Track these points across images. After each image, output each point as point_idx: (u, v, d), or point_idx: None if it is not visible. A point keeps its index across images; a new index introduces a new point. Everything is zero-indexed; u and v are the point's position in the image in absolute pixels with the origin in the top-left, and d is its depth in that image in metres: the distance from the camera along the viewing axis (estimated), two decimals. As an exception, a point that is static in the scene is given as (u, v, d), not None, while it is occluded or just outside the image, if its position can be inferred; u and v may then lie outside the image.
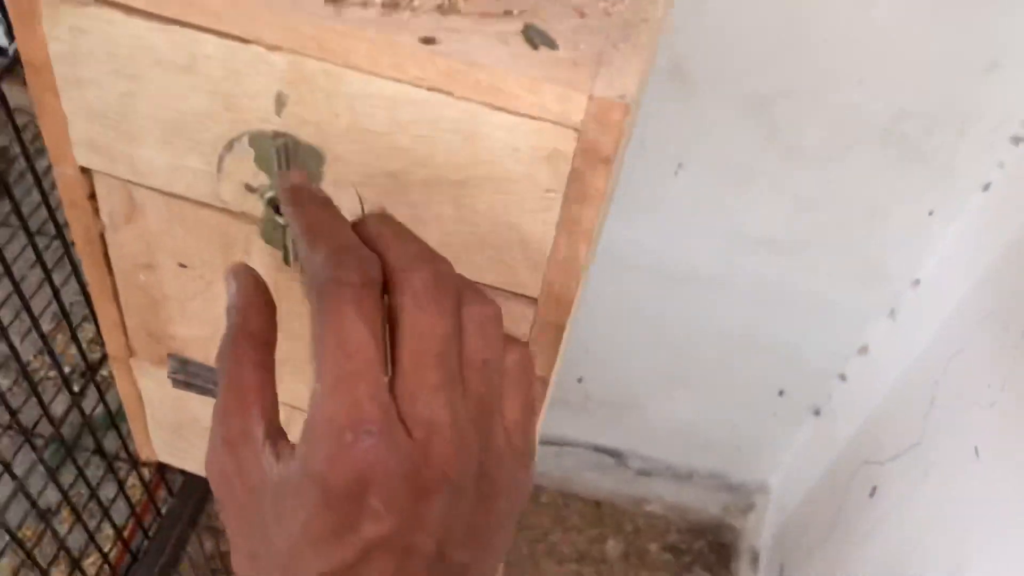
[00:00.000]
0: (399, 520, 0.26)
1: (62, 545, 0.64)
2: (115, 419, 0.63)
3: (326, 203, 0.31)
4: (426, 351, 0.27)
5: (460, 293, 0.29)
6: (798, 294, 1.10)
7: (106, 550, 0.67)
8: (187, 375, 0.52)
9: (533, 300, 0.39)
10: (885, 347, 1.10)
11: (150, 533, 0.69)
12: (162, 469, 0.70)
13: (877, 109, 0.88)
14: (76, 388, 0.60)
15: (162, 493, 0.72)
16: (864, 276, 1.06)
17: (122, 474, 0.72)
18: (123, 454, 0.69)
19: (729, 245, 1.05)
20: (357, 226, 0.30)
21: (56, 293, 0.58)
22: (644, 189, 1.00)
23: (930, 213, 0.96)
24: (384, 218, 0.31)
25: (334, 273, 0.27)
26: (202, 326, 0.49)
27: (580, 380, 1.36)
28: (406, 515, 0.26)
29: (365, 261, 0.28)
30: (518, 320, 0.40)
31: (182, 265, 0.45)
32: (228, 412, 0.28)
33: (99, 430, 0.66)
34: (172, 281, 0.46)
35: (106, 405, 0.61)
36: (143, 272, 0.47)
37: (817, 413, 1.25)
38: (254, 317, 0.30)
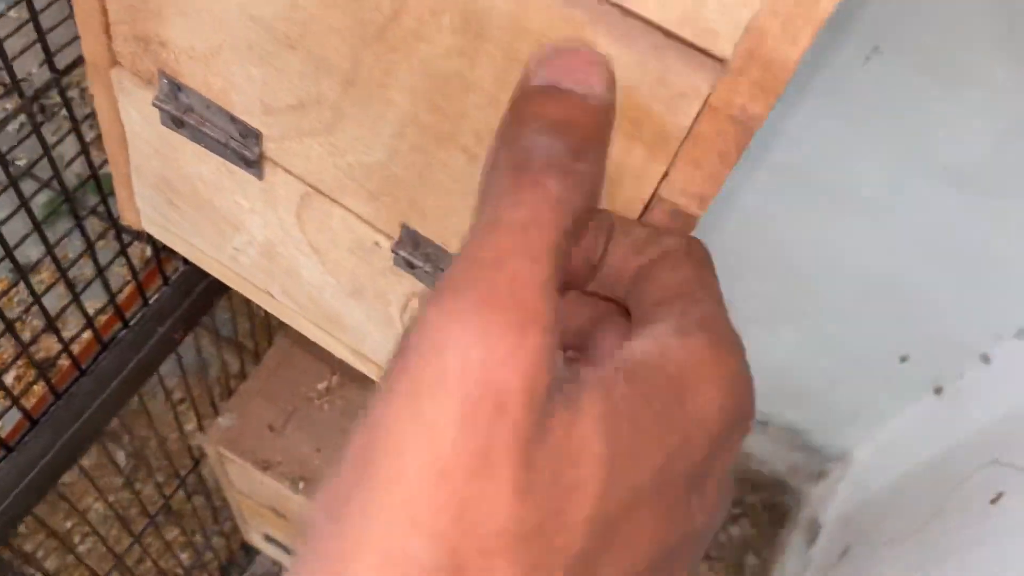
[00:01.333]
0: None
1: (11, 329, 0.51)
2: (98, 175, 0.49)
3: None
4: None
5: None
6: (967, 245, 0.89)
7: (71, 334, 0.54)
8: (178, 107, 0.37)
9: (719, 63, 0.23)
10: (1056, 335, 0.89)
11: (131, 324, 0.57)
12: (160, 252, 0.56)
13: None
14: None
15: (158, 283, 0.59)
16: (1059, 243, 0.85)
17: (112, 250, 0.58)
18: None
19: (905, 165, 0.85)
20: None
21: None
22: (822, 70, 0.80)
23: None
24: None
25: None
26: (203, 33, 0.33)
27: (672, 288, 1.19)
28: None
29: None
30: (676, 99, 0.24)
31: (181, -86, 0.29)
32: None
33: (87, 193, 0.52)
34: (167, -55, 0.31)
35: (78, 133, 0.46)
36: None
37: (939, 392, 1.06)
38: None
